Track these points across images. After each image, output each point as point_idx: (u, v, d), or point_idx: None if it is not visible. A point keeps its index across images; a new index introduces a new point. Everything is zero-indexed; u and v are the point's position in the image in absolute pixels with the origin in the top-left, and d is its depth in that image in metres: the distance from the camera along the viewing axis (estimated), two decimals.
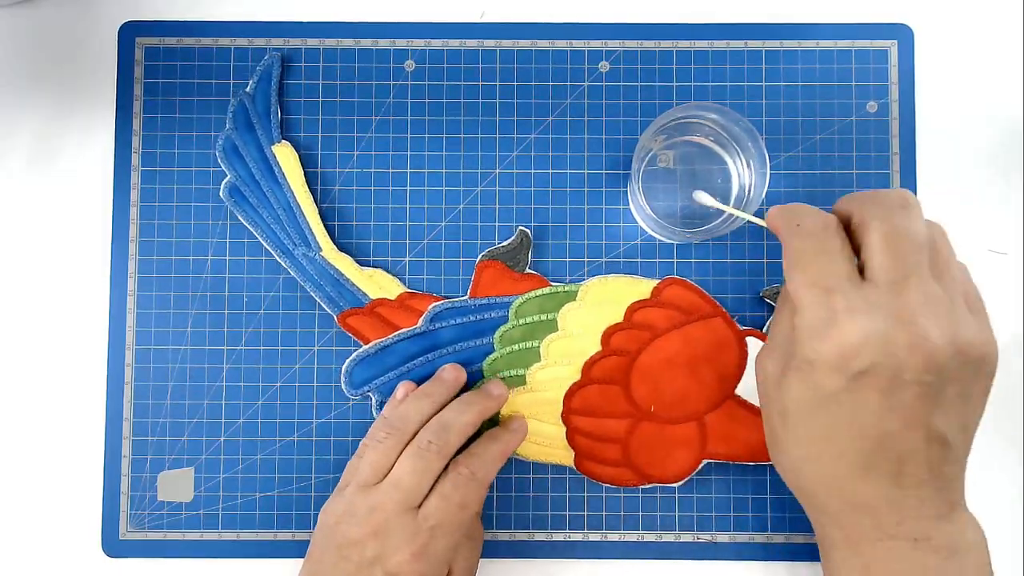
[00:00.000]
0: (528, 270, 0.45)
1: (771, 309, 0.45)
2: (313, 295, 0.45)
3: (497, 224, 0.46)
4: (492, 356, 0.44)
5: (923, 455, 0.32)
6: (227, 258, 0.46)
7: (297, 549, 0.45)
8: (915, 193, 0.46)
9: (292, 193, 0.45)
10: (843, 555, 0.35)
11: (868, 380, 0.31)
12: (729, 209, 0.41)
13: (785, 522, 0.45)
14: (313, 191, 0.46)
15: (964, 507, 0.35)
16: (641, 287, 0.45)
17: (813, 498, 0.36)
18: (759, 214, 0.45)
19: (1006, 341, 0.46)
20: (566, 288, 0.45)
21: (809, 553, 0.45)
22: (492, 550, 0.45)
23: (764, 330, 0.45)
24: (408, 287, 0.45)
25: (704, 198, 0.42)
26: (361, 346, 0.45)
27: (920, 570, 0.33)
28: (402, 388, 0.43)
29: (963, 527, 0.34)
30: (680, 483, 0.44)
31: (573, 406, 0.44)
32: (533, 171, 0.46)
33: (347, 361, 0.45)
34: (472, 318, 0.44)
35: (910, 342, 0.30)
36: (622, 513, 0.45)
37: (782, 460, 0.36)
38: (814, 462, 0.34)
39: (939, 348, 0.31)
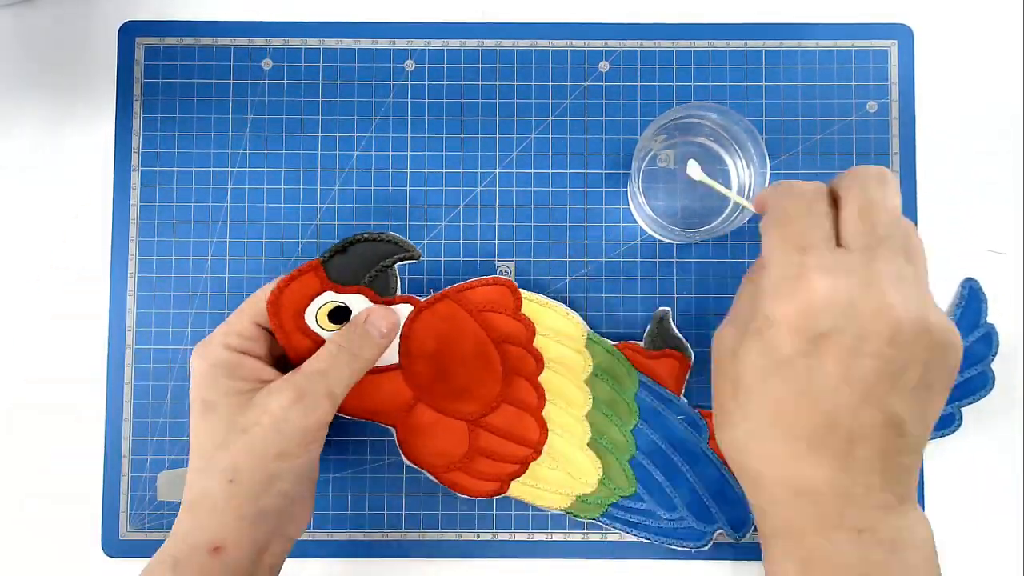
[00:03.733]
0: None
1: None
2: None
3: (497, 224, 0.46)
4: None
5: (877, 438, 0.31)
6: (227, 258, 0.46)
7: (295, 549, 0.45)
8: (915, 193, 0.46)
9: None
10: (784, 546, 0.33)
11: (828, 345, 0.30)
12: (718, 187, 0.40)
13: None
14: (313, 191, 0.46)
15: (914, 503, 0.33)
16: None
17: (757, 480, 0.34)
18: (758, 215, 0.45)
19: (1006, 340, 0.46)
20: None
21: None
22: (488, 550, 0.45)
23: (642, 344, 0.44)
24: (408, 287, 0.45)
25: (694, 170, 0.40)
26: None
27: (862, 563, 0.31)
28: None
29: (912, 522, 0.32)
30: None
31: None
32: (533, 171, 0.46)
33: None
34: None
35: (876, 309, 0.30)
36: None
37: (728, 437, 0.34)
38: (761, 438, 0.32)
39: (904, 320, 0.30)
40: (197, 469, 0.37)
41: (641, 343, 0.44)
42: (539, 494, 0.43)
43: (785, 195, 0.33)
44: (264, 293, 0.39)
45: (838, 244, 0.32)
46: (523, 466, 0.43)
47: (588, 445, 0.43)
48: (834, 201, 0.33)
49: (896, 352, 0.30)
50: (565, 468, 0.43)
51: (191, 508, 0.37)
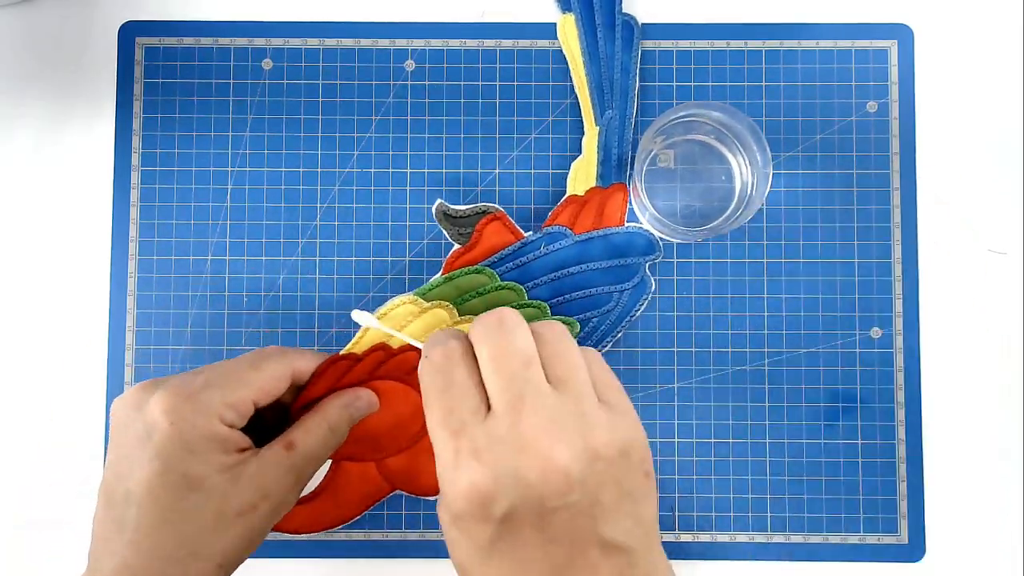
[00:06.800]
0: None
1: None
2: None
3: None
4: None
5: (609, 569, 0.30)
6: (227, 258, 0.46)
7: (293, 549, 0.45)
8: (915, 193, 0.46)
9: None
10: None
11: (515, 521, 0.29)
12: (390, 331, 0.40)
13: (785, 522, 0.45)
14: (313, 191, 0.46)
15: None
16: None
17: None
18: (759, 214, 0.46)
19: (1007, 341, 0.46)
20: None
21: (810, 553, 0.45)
22: None
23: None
24: (408, 287, 0.45)
25: (360, 317, 0.40)
26: None
27: None
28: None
29: None
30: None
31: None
32: (533, 171, 0.46)
33: None
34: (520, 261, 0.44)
35: (540, 469, 0.29)
36: None
37: None
38: None
39: (571, 465, 0.29)
40: None
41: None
42: None
43: (424, 371, 0.32)
44: (279, 370, 0.38)
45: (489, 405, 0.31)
46: None
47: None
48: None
49: (577, 494, 0.29)
50: None
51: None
